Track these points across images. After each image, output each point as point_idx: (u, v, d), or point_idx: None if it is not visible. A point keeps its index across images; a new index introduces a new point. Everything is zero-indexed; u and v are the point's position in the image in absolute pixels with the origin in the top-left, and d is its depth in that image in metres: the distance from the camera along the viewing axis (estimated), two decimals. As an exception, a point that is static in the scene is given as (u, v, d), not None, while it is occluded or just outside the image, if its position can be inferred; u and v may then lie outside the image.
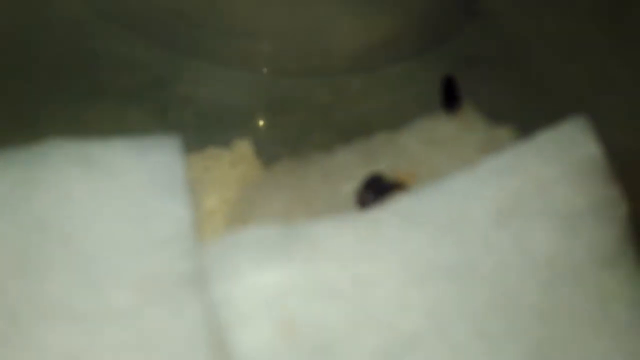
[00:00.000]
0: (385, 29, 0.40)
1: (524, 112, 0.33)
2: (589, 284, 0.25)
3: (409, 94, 0.37)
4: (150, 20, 0.38)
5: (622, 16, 0.34)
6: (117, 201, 0.25)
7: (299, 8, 0.39)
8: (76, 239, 0.24)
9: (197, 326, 0.22)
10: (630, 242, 0.26)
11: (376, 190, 0.26)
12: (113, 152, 0.26)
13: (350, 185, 0.29)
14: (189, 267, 0.23)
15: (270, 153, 0.33)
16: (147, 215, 0.24)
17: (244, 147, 0.33)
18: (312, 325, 0.22)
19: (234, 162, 0.32)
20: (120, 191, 0.25)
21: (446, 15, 0.40)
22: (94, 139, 0.27)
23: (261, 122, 0.36)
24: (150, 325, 0.22)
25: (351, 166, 0.30)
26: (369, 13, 0.40)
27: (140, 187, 0.25)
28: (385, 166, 0.29)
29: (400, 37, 0.40)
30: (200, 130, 0.34)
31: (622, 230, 0.26)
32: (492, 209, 0.25)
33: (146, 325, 0.22)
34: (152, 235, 0.24)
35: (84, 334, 0.22)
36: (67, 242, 0.24)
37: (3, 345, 0.22)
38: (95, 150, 0.26)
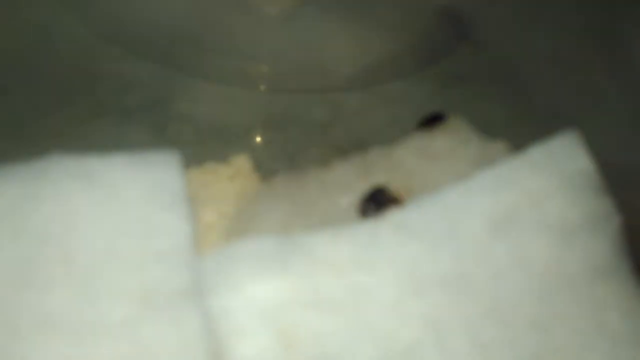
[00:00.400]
0: (381, 49, 0.40)
1: (516, 127, 0.34)
2: (584, 294, 0.25)
3: (404, 110, 0.37)
4: (151, 42, 0.39)
5: (611, 34, 0.35)
6: (117, 215, 0.25)
7: (297, 29, 0.40)
8: (76, 253, 0.24)
9: (195, 338, 0.22)
10: (624, 253, 0.27)
11: (378, 202, 0.27)
12: (113, 167, 0.26)
13: (347, 199, 0.29)
14: (188, 279, 0.23)
15: (268, 168, 0.33)
16: (147, 228, 0.25)
17: (242, 162, 0.33)
18: (310, 336, 0.22)
19: (232, 177, 0.32)
20: (119, 205, 0.25)
21: (440, 36, 0.41)
22: (95, 154, 0.27)
23: (259, 138, 0.37)
24: (148, 337, 0.22)
25: (348, 180, 0.30)
26: (366, 34, 0.41)
27: (139, 201, 0.25)
28: (381, 180, 0.29)
29: (395, 57, 0.40)
30: (199, 145, 0.35)
31: (616, 242, 0.26)
32: (487, 221, 0.25)
33: (144, 337, 0.22)
34: (151, 248, 0.24)
35: (82, 347, 0.22)
36: (66, 255, 0.24)
37: (2, 358, 0.22)
38: (96, 165, 0.26)
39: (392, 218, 0.25)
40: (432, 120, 0.32)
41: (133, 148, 0.29)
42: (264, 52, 0.40)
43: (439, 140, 0.31)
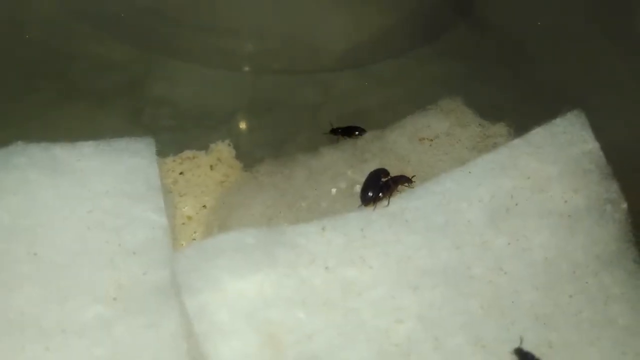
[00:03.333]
0: (374, 24, 0.40)
1: (518, 107, 0.33)
2: (589, 285, 0.25)
3: (399, 91, 0.37)
4: (125, 19, 0.38)
5: (619, 10, 0.34)
6: (87, 208, 0.24)
7: (284, 3, 0.39)
8: (44, 249, 0.24)
9: (174, 338, 0.22)
10: (630, 240, 0.26)
11: (380, 186, 0.26)
12: (82, 156, 0.26)
13: (337, 187, 0.29)
14: (164, 276, 0.23)
15: (252, 155, 0.33)
16: (119, 222, 0.24)
17: (223, 150, 0.33)
18: (298, 336, 0.22)
19: (214, 165, 0.32)
20: (89, 198, 0.25)
21: (438, 10, 0.40)
22: (63, 142, 0.26)
23: (243, 123, 0.36)
24: (124, 338, 0.22)
25: (338, 166, 0.30)
26: (358, 8, 0.40)
27: (111, 193, 0.25)
28: (372, 167, 0.29)
29: (390, 34, 0.40)
30: (177, 131, 0.34)
31: (622, 228, 0.26)
32: (486, 209, 0.25)
33: (120, 339, 0.22)
34: (124, 243, 0.24)
35: (52, 350, 0.22)
36: (34, 252, 0.24)
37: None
38: (63, 154, 0.26)
39: (387, 208, 0.25)
40: (344, 131, 0.31)
41: (106, 134, 0.28)
42: (248, 29, 0.39)
43: (437, 123, 0.31)
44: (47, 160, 0.25)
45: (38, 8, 0.38)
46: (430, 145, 0.30)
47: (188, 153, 0.32)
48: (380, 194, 0.25)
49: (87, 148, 0.26)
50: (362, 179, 0.28)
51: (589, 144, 0.27)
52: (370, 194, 0.25)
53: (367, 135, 0.32)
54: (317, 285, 0.22)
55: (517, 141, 0.27)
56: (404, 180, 0.26)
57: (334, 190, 0.29)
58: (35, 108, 0.34)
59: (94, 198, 0.25)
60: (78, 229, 0.24)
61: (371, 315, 0.22)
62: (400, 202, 0.25)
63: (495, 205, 0.25)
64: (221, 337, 0.21)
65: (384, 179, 0.26)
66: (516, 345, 0.23)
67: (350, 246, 0.24)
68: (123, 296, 0.23)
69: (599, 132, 0.28)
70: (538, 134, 0.27)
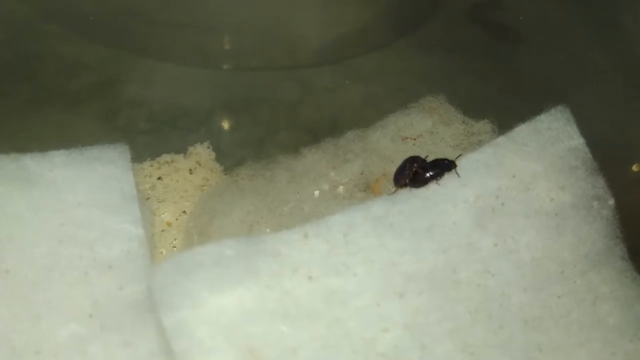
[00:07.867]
0: (352, 18, 0.39)
1: (502, 102, 0.33)
2: (577, 285, 0.24)
3: (381, 87, 0.36)
4: (96, 18, 0.37)
5: (604, 7, 0.34)
6: (59, 221, 0.23)
7: (261, -2, 0.38)
8: (15, 265, 0.23)
9: (151, 357, 0.21)
10: (618, 237, 0.26)
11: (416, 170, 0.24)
12: (53, 166, 0.25)
13: (320, 188, 0.28)
14: (142, 291, 0.22)
15: (232, 157, 0.32)
16: (93, 235, 0.23)
17: (203, 152, 0.32)
18: (281, 350, 0.21)
19: (192, 169, 0.31)
20: (61, 210, 0.24)
21: (417, 2, 0.40)
22: (34, 149, 0.25)
23: (222, 124, 0.35)
24: (100, 358, 0.21)
25: (320, 167, 0.29)
26: (335, 1, 0.39)
27: (84, 204, 0.24)
28: (355, 167, 0.28)
29: (368, 27, 0.39)
30: (154, 134, 0.33)
31: (609, 225, 0.26)
32: (472, 210, 0.25)
33: (96, 359, 0.21)
34: (99, 257, 0.23)
35: (24, 373, 0.21)
36: (5, 269, 0.23)
37: None
38: (33, 164, 0.24)
39: (370, 211, 0.24)
40: None
41: (79, 140, 0.27)
42: (224, 25, 0.38)
43: (420, 121, 0.30)
44: (17, 171, 0.24)
45: (4, 9, 0.37)
46: (414, 144, 0.29)
47: (166, 157, 0.31)
48: (430, 174, 0.23)
49: (58, 157, 0.25)
50: (345, 180, 0.27)
51: (574, 140, 0.27)
52: (405, 176, 0.23)
53: (350, 134, 0.31)
54: (300, 296, 0.22)
55: (501, 139, 0.26)
56: (449, 165, 0.24)
57: (316, 193, 0.28)
58: (5, 114, 0.33)
59: (66, 210, 0.24)
60: (50, 243, 0.23)
61: (356, 324, 0.22)
62: (384, 205, 0.25)
63: (481, 205, 0.25)
64: (201, 355, 0.20)
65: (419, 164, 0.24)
66: (506, 349, 0.22)
67: (334, 253, 0.23)
68: (99, 313, 0.22)
69: (584, 128, 0.27)
70: (522, 131, 0.27)
